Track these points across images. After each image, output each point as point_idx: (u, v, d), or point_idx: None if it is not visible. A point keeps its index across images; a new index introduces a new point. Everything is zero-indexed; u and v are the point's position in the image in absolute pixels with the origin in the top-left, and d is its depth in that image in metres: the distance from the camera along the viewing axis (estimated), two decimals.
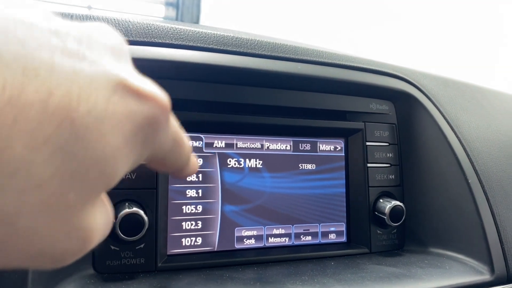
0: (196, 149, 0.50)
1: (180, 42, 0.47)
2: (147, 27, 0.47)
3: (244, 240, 0.51)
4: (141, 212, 0.42)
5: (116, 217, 0.41)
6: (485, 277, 0.51)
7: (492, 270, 0.51)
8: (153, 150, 0.24)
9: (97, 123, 0.18)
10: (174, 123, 0.27)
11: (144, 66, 0.45)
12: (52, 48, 0.18)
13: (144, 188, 0.45)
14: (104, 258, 0.43)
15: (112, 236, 0.43)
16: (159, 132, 0.23)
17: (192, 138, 0.50)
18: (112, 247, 0.43)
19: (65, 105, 0.17)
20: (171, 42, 0.47)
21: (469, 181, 0.54)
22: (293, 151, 0.55)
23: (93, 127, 0.18)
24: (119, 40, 0.23)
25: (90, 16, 0.45)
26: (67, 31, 0.19)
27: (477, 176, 0.55)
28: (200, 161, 0.50)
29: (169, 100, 0.23)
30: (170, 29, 0.48)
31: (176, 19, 2.39)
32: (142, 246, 0.44)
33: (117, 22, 0.46)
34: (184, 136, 0.28)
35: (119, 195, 0.44)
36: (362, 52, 0.61)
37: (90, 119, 0.18)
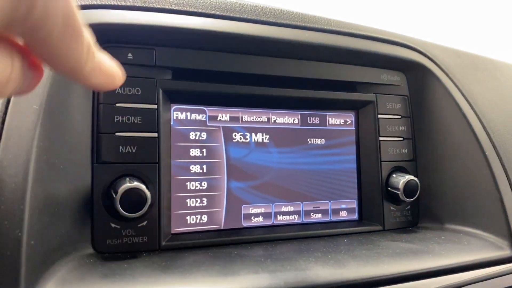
0: (199, 123, 0.47)
1: (180, 8, 0.44)
2: None
3: (252, 218, 0.49)
4: (143, 187, 0.39)
5: (116, 192, 0.39)
6: (506, 252, 0.49)
7: None
8: (25, 12, 0.18)
9: None
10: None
11: (143, 33, 0.43)
12: None
13: (146, 162, 0.42)
14: (104, 237, 0.40)
15: (113, 213, 0.40)
16: None
17: (195, 111, 0.47)
18: (113, 225, 0.41)
19: None
20: (170, 7, 0.44)
21: (486, 153, 0.52)
22: (301, 125, 0.52)
23: None
24: None
25: None
26: None
27: (494, 149, 0.53)
28: (204, 135, 0.47)
29: None
30: None
31: None
32: (144, 223, 0.42)
33: None
34: (82, 23, 0.22)
35: (119, 169, 0.41)
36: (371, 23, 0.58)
37: None
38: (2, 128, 0.33)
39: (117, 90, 0.42)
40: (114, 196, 0.39)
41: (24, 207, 0.32)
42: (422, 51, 0.56)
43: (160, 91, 0.43)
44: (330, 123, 0.54)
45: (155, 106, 0.43)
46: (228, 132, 0.48)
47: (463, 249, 0.48)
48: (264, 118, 0.50)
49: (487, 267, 0.47)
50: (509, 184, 0.52)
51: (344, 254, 0.43)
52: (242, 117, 0.49)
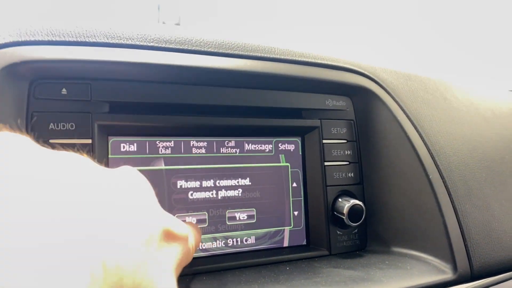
0: (138, 154, 0.47)
1: (116, 41, 0.45)
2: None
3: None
4: None
5: None
6: (448, 276, 0.49)
7: (455, 269, 0.50)
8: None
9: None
10: (191, 240, 0.34)
11: (78, 68, 0.43)
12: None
13: None
14: None
15: None
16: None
17: (134, 143, 0.47)
18: None
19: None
20: (106, 41, 0.44)
21: (430, 176, 0.52)
22: (246, 153, 0.52)
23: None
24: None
25: None
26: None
27: (438, 171, 0.53)
28: (144, 166, 0.47)
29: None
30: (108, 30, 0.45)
31: None
32: None
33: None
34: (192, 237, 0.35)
35: None
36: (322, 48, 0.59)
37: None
38: None
39: (50, 126, 0.42)
40: None
41: None
42: (368, 74, 0.57)
43: (96, 125, 0.44)
44: (280, 149, 0.54)
45: (89, 141, 0.43)
46: (170, 163, 0.48)
47: (405, 274, 0.48)
48: (209, 147, 0.50)
49: None
50: (453, 207, 0.52)
51: (282, 284, 0.43)
52: (184, 147, 0.49)
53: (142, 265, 0.23)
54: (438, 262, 0.51)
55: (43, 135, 0.42)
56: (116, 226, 0.22)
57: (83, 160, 0.25)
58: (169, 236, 0.27)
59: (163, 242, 0.27)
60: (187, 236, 0.31)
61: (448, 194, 0.53)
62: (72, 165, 0.23)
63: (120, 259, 0.21)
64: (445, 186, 0.53)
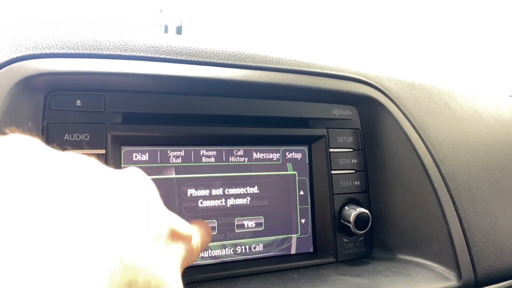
0: (150, 163, 0.48)
1: (129, 53, 0.46)
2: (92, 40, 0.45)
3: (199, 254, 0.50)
4: None
5: None
6: (452, 283, 0.50)
7: (459, 276, 0.51)
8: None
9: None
10: (195, 240, 0.34)
11: (92, 80, 0.44)
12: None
13: None
14: None
15: None
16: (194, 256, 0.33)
17: (146, 152, 0.48)
18: None
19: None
20: (119, 53, 0.45)
21: (435, 185, 0.53)
22: (254, 161, 0.53)
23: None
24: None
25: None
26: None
27: (443, 180, 0.54)
28: (156, 176, 0.48)
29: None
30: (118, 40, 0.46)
31: None
32: None
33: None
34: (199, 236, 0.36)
35: None
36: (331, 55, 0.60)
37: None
38: None
39: (65, 137, 0.43)
40: None
41: None
42: (374, 84, 0.58)
43: (109, 136, 0.45)
44: (287, 157, 0.55)
45: (103, 151, 0.44)
46: (180, 172, 0.49)
47: (411, 281, 0.49)
48: (218, 156, 0.51)
49: None
50: (457, 215, 0.53)
51: None
52: (194, 156, 0.50)
53: (153, 261, 0.24)
54: (443, 269, 0.52)
55: (58, 145, 0.42)
56: (128, 223, 0.23)
57: (91, 161, 0.26)
58: (174, 235, 0.28)
59: (169, 240, 0.27)
60: (191, 236, 0.32)
61: (453, 202, 0.54)
62: (81, 165, 0.24)
63: (135, 255, 0.22)
64: (449, 194, 0.54)
